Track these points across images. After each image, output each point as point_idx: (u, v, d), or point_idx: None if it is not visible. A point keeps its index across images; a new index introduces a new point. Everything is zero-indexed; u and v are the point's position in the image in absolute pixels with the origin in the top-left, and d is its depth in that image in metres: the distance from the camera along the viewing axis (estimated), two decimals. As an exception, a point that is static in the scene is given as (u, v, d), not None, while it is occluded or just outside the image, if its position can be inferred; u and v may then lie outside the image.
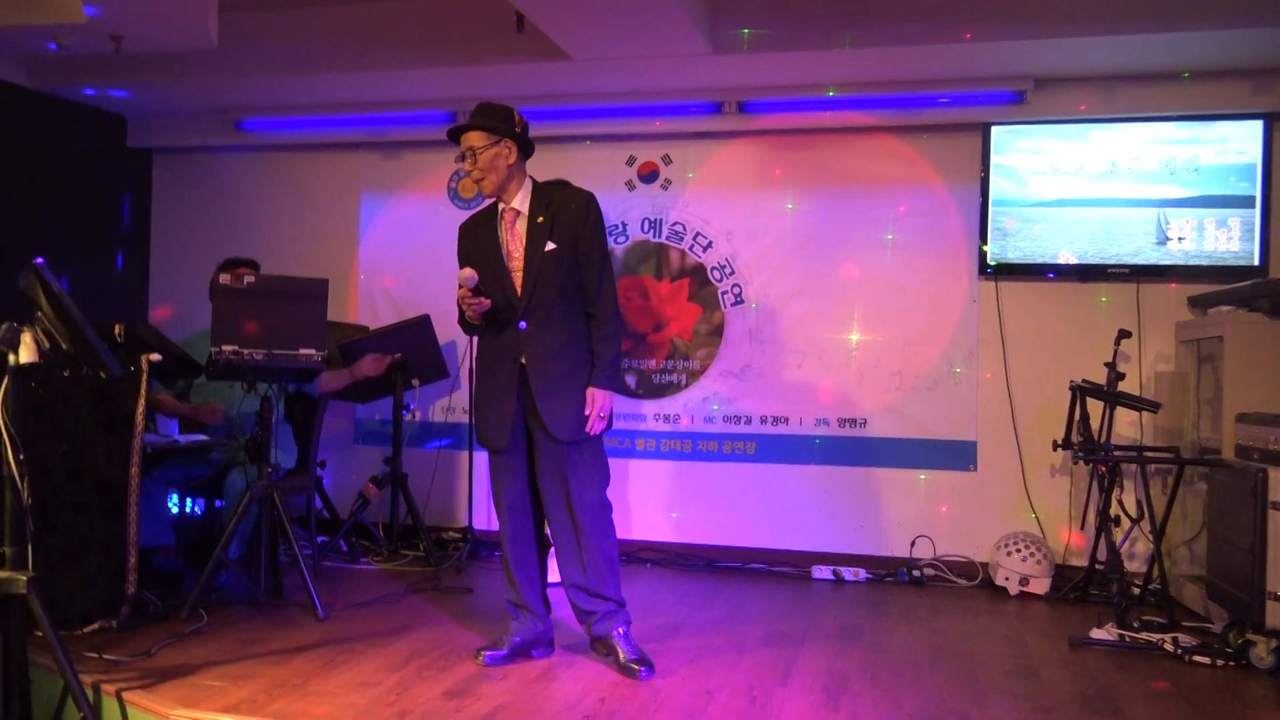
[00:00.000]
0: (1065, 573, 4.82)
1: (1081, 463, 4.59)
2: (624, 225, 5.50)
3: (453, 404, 5.68)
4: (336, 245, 5.91)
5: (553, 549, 3.48)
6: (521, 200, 3.39)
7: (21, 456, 2.73)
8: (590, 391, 3.32)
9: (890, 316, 5.20)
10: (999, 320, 5.08)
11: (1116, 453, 4.41)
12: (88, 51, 4.69)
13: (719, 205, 5.42)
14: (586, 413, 3.31)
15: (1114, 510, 4.33)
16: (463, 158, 3.36)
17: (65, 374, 3.60)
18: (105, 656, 3.29)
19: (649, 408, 5.47)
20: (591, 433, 3.33)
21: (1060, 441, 4.60)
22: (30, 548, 2.79)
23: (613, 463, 5.36)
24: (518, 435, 3.38)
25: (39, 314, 2.84)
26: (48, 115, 5.57)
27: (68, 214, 5.69)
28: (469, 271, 3.29)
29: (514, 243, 3.38)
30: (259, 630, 3.76)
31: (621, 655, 3.34)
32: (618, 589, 3.42)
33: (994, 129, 5.01)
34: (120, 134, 6.06)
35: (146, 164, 6.25)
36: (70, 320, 2.82)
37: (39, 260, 2.79)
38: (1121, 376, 4.56)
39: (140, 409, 3.66)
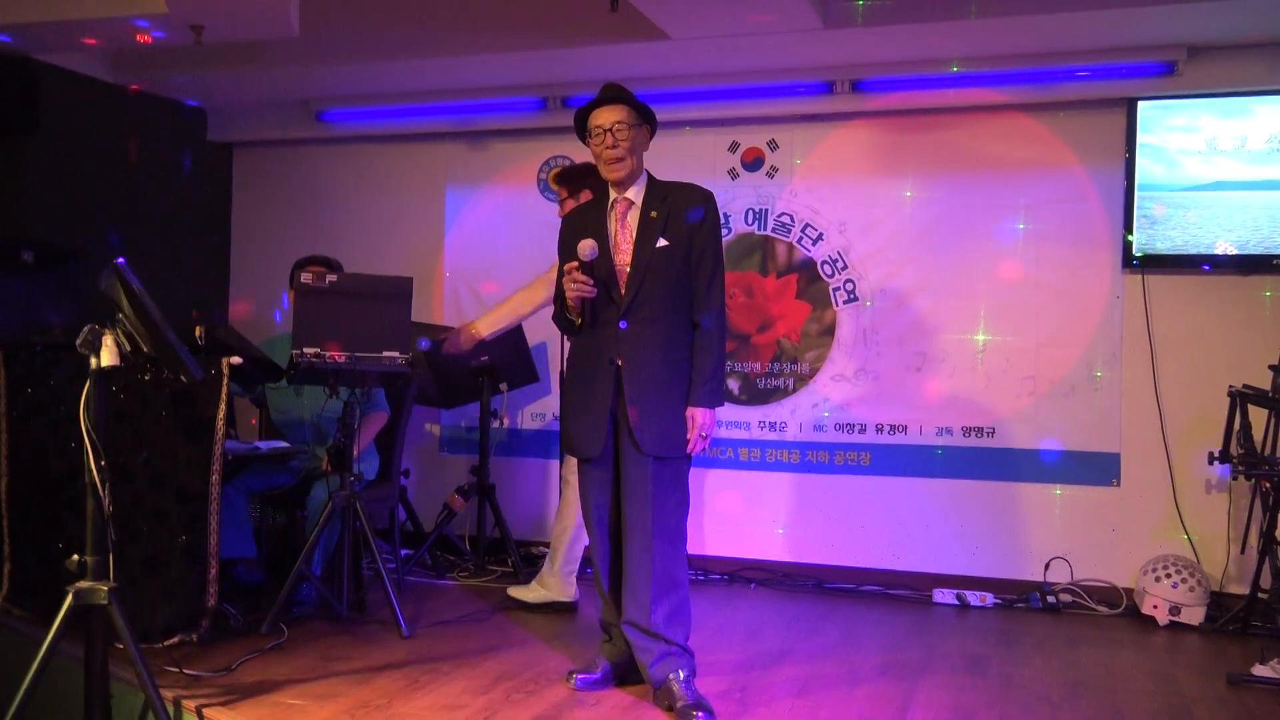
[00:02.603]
0: (1223, 601, 4.64)
1: (1242, 478, 4.42)
2: (726, 217, 5.49)
3: (543, 410, 5.75)
4: (421, 241, 6.05)
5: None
6: (636, 192, 3.39)
7: (103, 463, 2.86)
8: (690, 411, 3.30)
9: (1022, 314, 5.08)
10: (1146, 318, 4.93)
11: (1283, 467, 4.24)
12: (169, 43, 4.89)
13: (830, 194, 5.38)
14: (688, 435, 3.30)
15: (1280, 532, 4.17)
16: (603, 133, 3.31)
17: (146, 378, 3.76)
18: (186, 671, 3.43)
19: (753, 414, 5.45)
20: (691, 453, 3.33)
21: (1217, 454, 4.45)
22: (112, 557, 2.92)
23: (714, 474, 5.47)
24: (609, 444, 3.36)
25: (120, 316, 2.97)
26: (129, 109, 5.83)
27: (148, 210, 5.93)
28: (591, 242, 3.24)
29: (623, 235, 3.37)
30: (341, 647, 3.88)
31: (678, 700, 3.19)
32: (685, 634, 3.33)
33: (1141, 104, 4.86)
34: (201, 127, 6.30)
35: (227, 158, 6.49)
36: (151, 322, 2.94)
37: (120, 260, 2.92)
38: (1289, 381, 4.39)
39: (221, 414, 3.80)
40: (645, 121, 3.38)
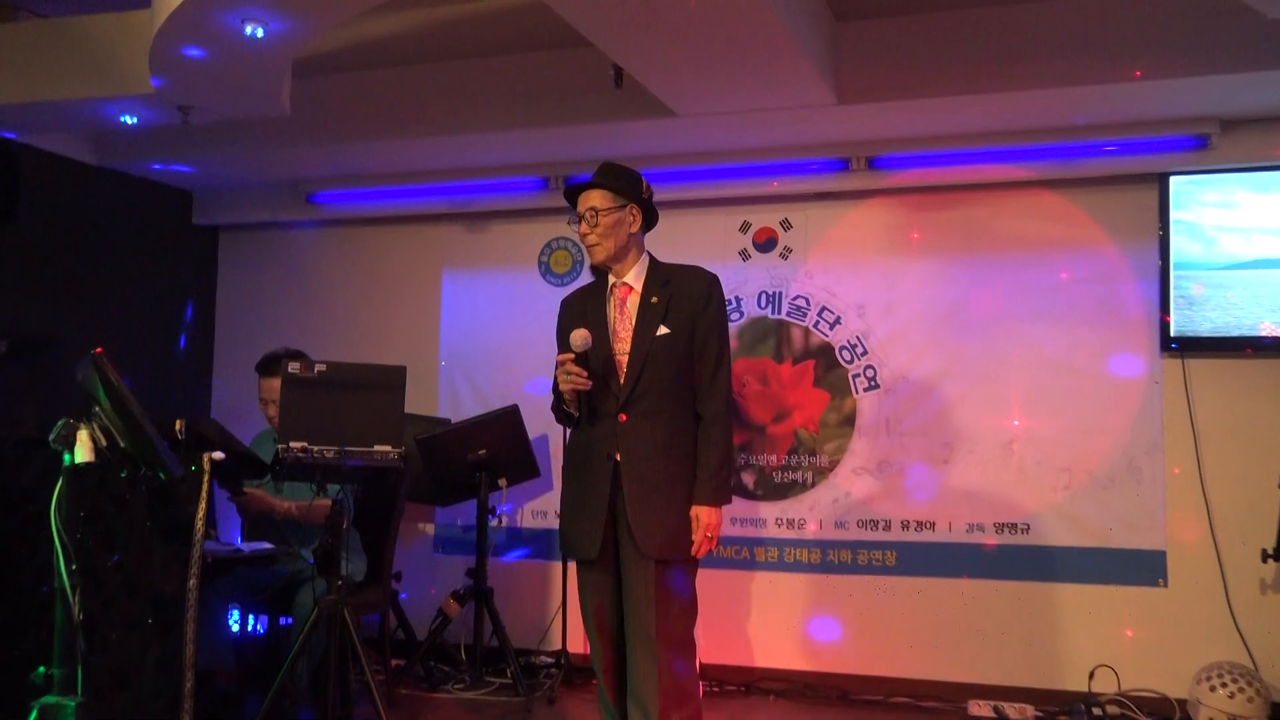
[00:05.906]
0: (1284, 712, 4.56)
1: (1299, 577, 4.38)
2: (738, 300, 5.53)
3: (544, 507, 5.72)
4: (416, 328, 6.09)
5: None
6: (636, 276, 3.42)
7: (75, 566, 2.85)
8: (695, 510, 3.28)
9: (1055, 402, 5.08)
10: (1188, 405, 4.92)
11: (1343, 565, 4.20)
12: (154, 124, 4.99)
13: (847, 275, 5.42)
14: (694, 536, 3.27)
15: (1343, 636, 4.11)
16: (578, 220, 3.40)
17: (123, 475, 3.75)
18: (157, 795, 3.36)
19: (769, 510, 5.42)
20: (697, 555, 3.29)
21: (1271, 551, 4.40)
22: (80, 669, 2.89)
23: (729, 575, 5.43)
24: (608, 545, 3.32)
25: (96, 409, 2.98)
26: (111, 192, 5.93)
27: (129, 297, 6.00)
28: (584, 332, 3.24)
29: (622, 322, 3.39)
30: (326, 767, 3.80)
31: None
32: None
33: (1173, 179, 4.92)
34: (186, 210, 6.40)
35: (213, 242, 6.58)
36: (130, 416, 2.96)
37: (98, 350, 2.94)
38: (1345, 471, 4.37)
39: (201, 513, 3.77)
40: (631, 201, 3.40)
